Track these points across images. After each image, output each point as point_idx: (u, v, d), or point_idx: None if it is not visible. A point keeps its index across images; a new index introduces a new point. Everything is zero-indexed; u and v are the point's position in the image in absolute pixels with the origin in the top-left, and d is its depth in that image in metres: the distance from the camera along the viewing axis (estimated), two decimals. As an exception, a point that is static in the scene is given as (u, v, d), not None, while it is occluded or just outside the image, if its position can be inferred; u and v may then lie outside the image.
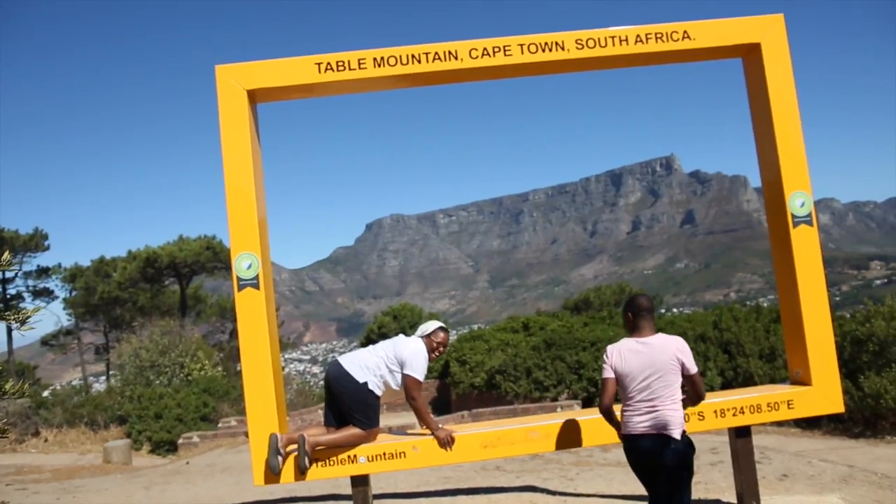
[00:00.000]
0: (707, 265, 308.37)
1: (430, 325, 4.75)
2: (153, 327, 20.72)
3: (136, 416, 14.83)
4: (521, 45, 4.71)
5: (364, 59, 4.66)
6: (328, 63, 4.65)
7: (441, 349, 4.71)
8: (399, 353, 4.54)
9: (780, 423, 10.11)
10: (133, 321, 29.34)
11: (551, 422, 4.67)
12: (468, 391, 15.73)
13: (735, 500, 5.04)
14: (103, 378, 32.66)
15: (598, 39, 4.73)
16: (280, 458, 4.36)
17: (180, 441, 13.04)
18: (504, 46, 4.70)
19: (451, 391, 16.77)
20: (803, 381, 4.84)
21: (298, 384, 27.94)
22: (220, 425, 13.88)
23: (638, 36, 4.76)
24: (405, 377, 4.51)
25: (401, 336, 4.75)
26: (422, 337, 4.68)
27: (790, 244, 4.78)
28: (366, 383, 4.48)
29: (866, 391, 9.14)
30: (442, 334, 4.73)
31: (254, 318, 4.51)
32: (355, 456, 4.47)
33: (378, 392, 4.51)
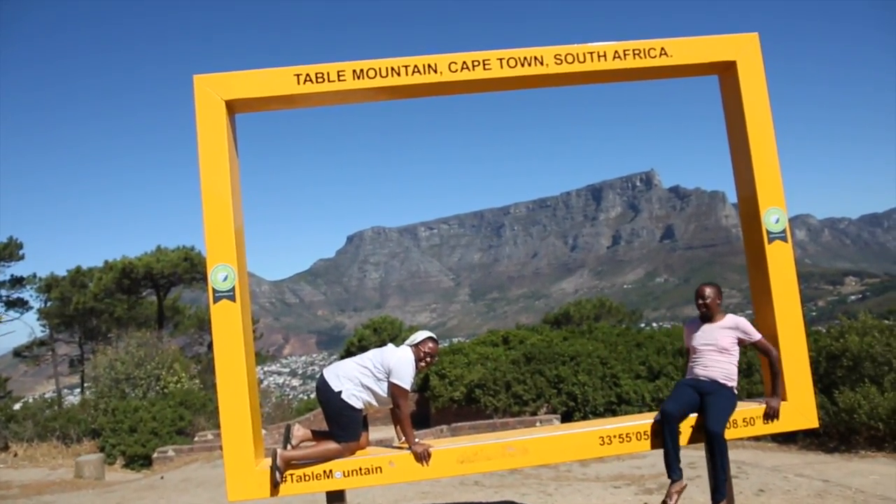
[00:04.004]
0: (686, 280, 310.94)
1: (419, 335, 4.71)
2: (129, 339, 20.44)
3: (110, 429, 14.59)
4: (501, 59, 4.73)
5: (343, 70, 4.66)
6: (307, 74, 4.63)
7: (429, 359, 4.67)
8: (386, 361, 4.50)
9: (757, 438, 10.17)
10: (109, 332, 28.94)
11: (529, 437, 4.64)
12: (447, 405, 15.66)
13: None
14: (77, 390, 32.12)
15: (577, 55, 4.77)
16: (279, 474, 4.31)
17: (155, 455, 12.83)
18: (483, 60, 4.72)
19: (431, 405, 16.68)
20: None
21: (277, 397, 27.75)
22: (196, 439, 13.69)
23: (616, 52, 4.80)
24: (391, 385, 4.46)
25: (389, 345, 4.71)
26: (410, 346, 4.64)
27: (765, 260, 4.83)
28: (340, 392, 4.43)
29: (841, 406, 9.24)
30: (431, 344, 4.69)
31: (229, 330, 4.46)
32: (331, 471, 4.41)
33: (355, 403, 4.44)
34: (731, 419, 4.69)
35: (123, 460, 14.04)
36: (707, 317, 4.96)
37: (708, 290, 4.95)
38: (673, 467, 4.71)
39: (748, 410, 4.78)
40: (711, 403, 4.71)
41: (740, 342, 4.85)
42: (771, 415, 4.73)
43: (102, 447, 14.35)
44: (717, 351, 4.86)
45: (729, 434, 4.73)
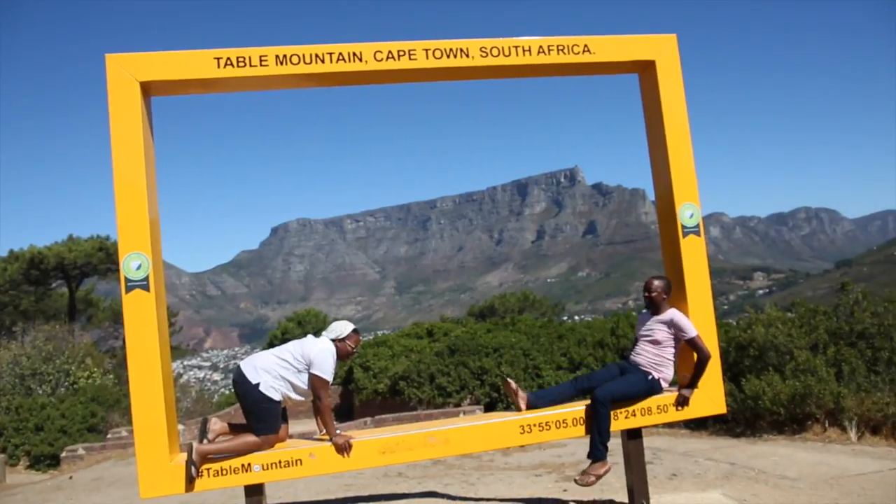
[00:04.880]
0: (607, 274, 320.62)
1: (345, 328, 4.62)
2: (36, 332, 19.40)
3: (13, 428, 13.82)
4: (427, 49, 4.72)
5: (266, 56, 4.54)
6: (228, 58, 4.49)
7: (353, 351, 4.65)
8: (307, 352, 4.42)
9: (670, 425, 10.59)
10: (14, 326, 27.39)
11: (450, 427, 4.67)
12: (372, 397, 15.62)
13: (627, 500, 5.22)
14: (-23, 388, 30.27)
15: (502, 48, 4.81)
16: (194, 468, 4.17)
17: (63, 454, 12.23)
18: (409, 50, 4.69)
19: (355, 397, 16.60)
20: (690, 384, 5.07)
21: (197, 391, 26.96)
22: (109, 436, 13.12)
23: (541, 47, 4.87)
24: (312, 377, 4.38)
25: (309, 336, 4.62)
26: (334, 340, 4.57)
27: (680, 253, 5.01)
28: (258, 385, 4.33)
29: (747, 393, 9.71)
30: (355, 336, 4.65)
31: (142, 321, 4.29)
32: (249, 464, 4.32)
33: (273, 395, 4.35)
34: (628, 400, 4.87)
35: (28, 461, 13.35)
36: (652, 309, 5.11)
37: (655, 283, 5.06)
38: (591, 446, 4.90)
39: (661, 398, 4.96)
40: (616, 379, 4.96)
41: (677, 337, 4.95)
42: (681, 403, 4.93)
43: (4, 448, 13.58)
44: (650, 342, 5.03)
45: (643, 420, 4.90)
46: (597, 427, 4.80)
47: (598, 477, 4.87)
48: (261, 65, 4.55)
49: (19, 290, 27.71)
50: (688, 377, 5.02)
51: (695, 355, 4.92)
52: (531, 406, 4.94)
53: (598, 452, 4.85)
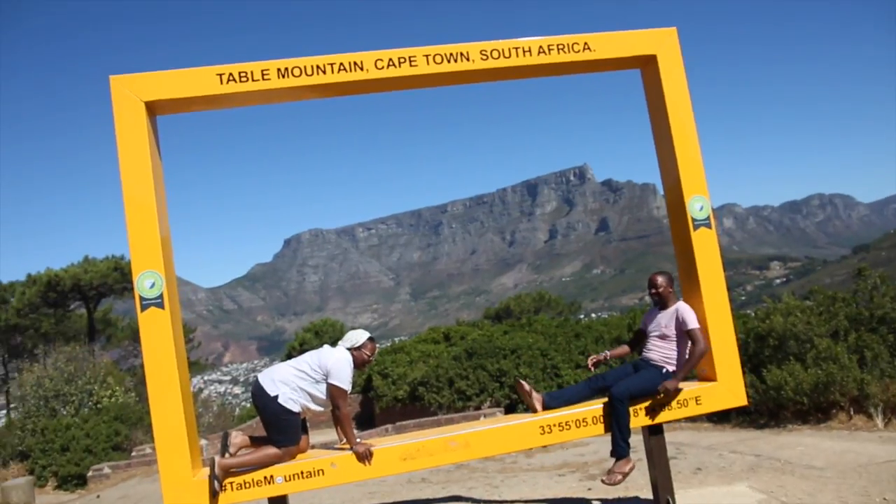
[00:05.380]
0: (622, 270, 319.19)
1: (360, 337, 4.64)
2: (57, 354, 19.57)
3: (40, 450, 13.93)
4: (427, 55, 4.73)
5: (268, 69, 4.57)
6: (230, 74, 4.53)
7: (369, 359, 4.66)
8: (324, 362, 4.43)
9: (693, 420, 10.51)
10: (35, 349, 27.64)
11: (470, 430, 4.66)
12: (392, 404, 15.62)
13: (652, 497, 5.18)
14: (3, 412, 30.57)
15: (503, 50, 4.81)
16: (217, 483, 4.20)
17: (90, 474, 12.34)
18: (410, 57, 4.70)
19: (375, 405, 16.60)
20: (709, 377, 5.04)
21: (219, 406, 27.08)
22: (133, 454, 13.22)
23: (541, 47, 4.86)
24: (330, 387, 4.40)
25: (326, 346, 4.64)
26: (350, 349, 4.58)
27: (691, 247, 4.98)
28: (276, 397, 4.35)
29: (769, 384, 9.61)
30: (370, 344, 4.67)
31: (159, 338, 4.32)
32: (272, 476, 4.33)
33: (291, 407, 4.37)
34: (645, 396, 4.82)
35: (56, 481, 13.43)
36: (660, 304, 5.11)
37: (659, 279, 5.08)
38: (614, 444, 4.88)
39: (680, 393, 4.92)
40: (631, 376, 4.94)
41: (680, 329, 4.94)
42: (663, 392, 4.78)
43: (32, 469, 13.70)
44: (659, 336, 5.03)
45: (664, 416, 4.87)
46: (616, 425, 4.77)
47: (625, 475, 4.84)
48: (263, 79, 4.58)
49: (39, 313, 28.00)
50: (707, 370, 4.98)
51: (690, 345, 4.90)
52: (546, 407, 4.92)
53: (620, 450, 4.83)
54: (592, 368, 5.22)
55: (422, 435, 4.82)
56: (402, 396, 15.28)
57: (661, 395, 4.82)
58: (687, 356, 4.90)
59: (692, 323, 4.87)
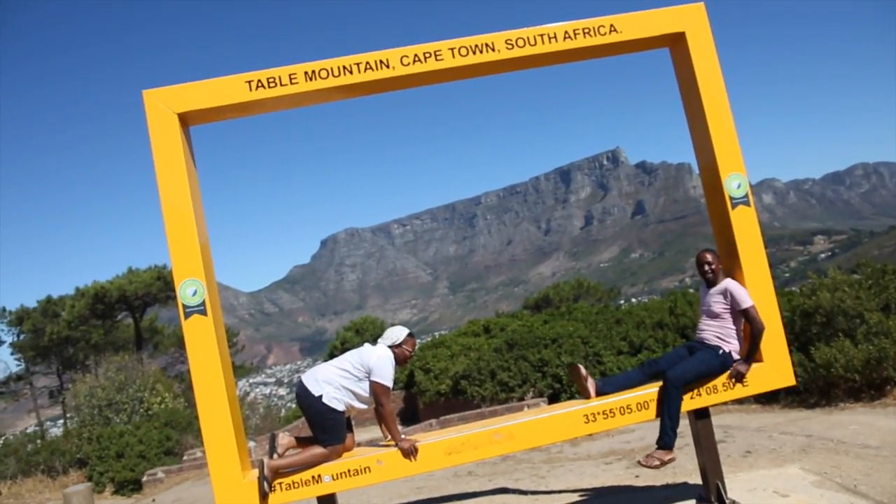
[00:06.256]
0: (661, 253, 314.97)
1: (400, 333, 4.68)
2: (108, 364, 20.10)
3: (96, 457, 14.35)
4: (452, 48, 4.71)
5: (295, 73, 4.61)
6: (259, 80, 4.58)
7: (410, 355, 4.70)
8: (366, 360, 4.48)
9: (740, 402, 10.33)
10: (87, 360, 28.45)
11: (514, 422, 4.66)
12: (435, 399, 15.69)
13: (701, 482, 5.11)
14: (60, 422, 31.54)
15: (528, 38, 4.77)
16: (267, 484, 4.28)
17: (144, 478, 12.66)
18: (435, 51, 4.70)
19: (418, 400, 16.70)
20: (755, 358, 4.93)
21: (265, 408, 27.50)
22: (185, 458, 13.52)
23: (566, 32, 4.81)
24: (373, 384, 4.44)
25: (367, 345, 4.69)
26: (391, 346, 4.62)
27: (730, 226, 4.88)
28: (321, 396, 4.40)
29: (818, 362, 9.39)
30: (410, 340, 4.71)
31: (203, 344, 4.40)
32: (319, 475, 4.39)
33: (336, 406, 4.42)
34: (702, 379, 4.75)
35: (113, 487, 13.83)
36: (711, 282, 5.01)
37: (709, 256, 4.98)
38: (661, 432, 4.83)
39: (726, 375, 4.83)
40: (686, 359, 4.85)
41: (734, 307, 4.82)
42: (736, 377, 4.76)
43: (90, 476, 14.11)
44: (709, 316, 4.94)
45: (710, 399, 4.79)
46: (667, 411, 4.69)
47: (663, 463, 4.77)
48: (291, 83, 4.61)
49: (88, 325, 28.81)
50: (744, 350, 4.88)
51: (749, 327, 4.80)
52: (600, 393, 4.86)
53: (667, 439, 4.76)
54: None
55: (466, 428, 4.83)
56: (444, 391, 15.33)
57: (735, 382, 4.75)
58: (751, 339, 4.77)
59: (745, 301, 4.73)
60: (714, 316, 4.90)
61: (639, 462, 4.88)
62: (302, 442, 4.65)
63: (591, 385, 4.86)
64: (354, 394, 4.47)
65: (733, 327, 4.87)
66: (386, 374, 4.45)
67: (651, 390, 4.76)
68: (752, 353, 4.78)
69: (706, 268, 4.98)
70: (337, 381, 4.45)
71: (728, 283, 4.87)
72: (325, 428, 4.43)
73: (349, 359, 4.56)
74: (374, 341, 4.80)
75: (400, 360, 4.62)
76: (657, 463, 4.76)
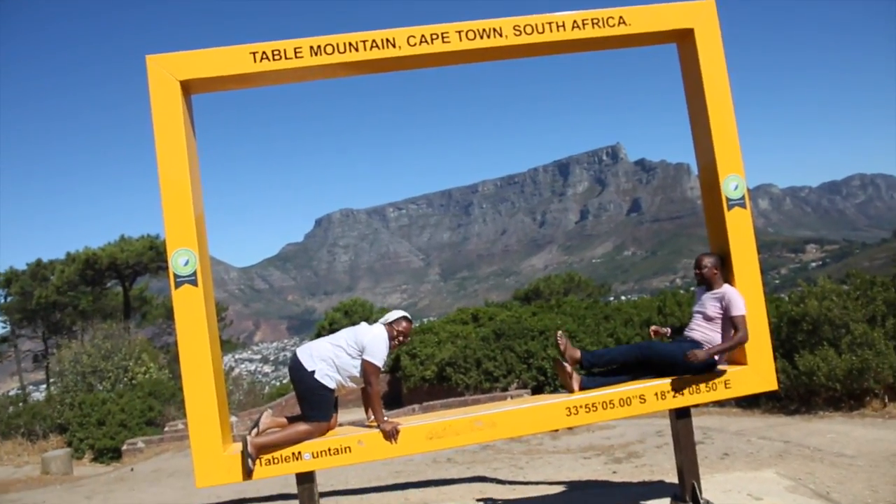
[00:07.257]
0: (654, 252, 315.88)
1: (394, 314, 4.71)
2: (95, 331, 20.06)
3: (77, 423, 14.34)
4: (460, 31, 4.68)
5: (300, 47, 4.57)
6: (263, 52, 4.53)
7: (402, 338, 4.68)
8: (360, 338, 4.48)
9: (721, 404, 10.40)
10: (74, 326, 28.37)
11: (496, 410, 4.67)
12: (419, 384, 15.72)
13: (677, 481, 5.14)
14: (43, 386, 31.48)
15: (536, 25, 4.74)
16: (251, 460, 4.28)
17: (124, 447, 12.67)
18: (442, 33, 4.66)
19: (402, 385, 16.73)
20: (739, 361, 4.96)
21: (249, 384, 27.51)
22: (166, 429, 13.53)
23: (575, 22, 4.78)
24: (364, 362, 4.44)
25: (363, 323, 4.68)
26: (384, 324, 4.63)
27: (725, 227, 4.89)
28: (313, 372, 4.40)
29: (801, 369, 9.46)
30: (404, 323, 4.69)
31: (192, 315, 4.38)
32: (300, 453, 4.39)
33: (328, 383, 4.42)
34: (673, 364, 4.78)
35: (92, 454, 13.83)
36: (706, 285, 5.02)
37: (705, 260, 4.99)
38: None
39: (709, 376, 4.85)
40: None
41: (726, 313, 4.81)
42: (691, 357, 4.59)
43: (70, 442, 14.12)
44: (703, 318, 4.95)
45: (691, 399, 4.79)
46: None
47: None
48: (296, 57, 4.57)
49: (77, 291, 28.70)
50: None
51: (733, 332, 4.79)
52: (583, 388, 4.84)
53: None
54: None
55: (448, 414, 4.84)
56: (429, 377, 15.37)
57: (687, 360, 4.60)
58: (728, 341, 4.77)
59: (738, 310, 4.73)
60: (708, 319, 4.92)
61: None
62: (292, 422, 4.65)
63: (574, 380, 4.87)
64: (347, 372, 4.46)
65: (723, 335, 4.88)
66: (378, 353, 4.44)
67: (634, 387, 4.77)
68: (720, 351, 4.74)
69: (697, 270, 5.02)
70: (331, 359, 4.45)
71: (727, 288, 4.88)
72: (313, 404, 4.43)
73: (345, 336, 4.56)
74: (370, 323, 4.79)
75: (389, 338, 4.61)
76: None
